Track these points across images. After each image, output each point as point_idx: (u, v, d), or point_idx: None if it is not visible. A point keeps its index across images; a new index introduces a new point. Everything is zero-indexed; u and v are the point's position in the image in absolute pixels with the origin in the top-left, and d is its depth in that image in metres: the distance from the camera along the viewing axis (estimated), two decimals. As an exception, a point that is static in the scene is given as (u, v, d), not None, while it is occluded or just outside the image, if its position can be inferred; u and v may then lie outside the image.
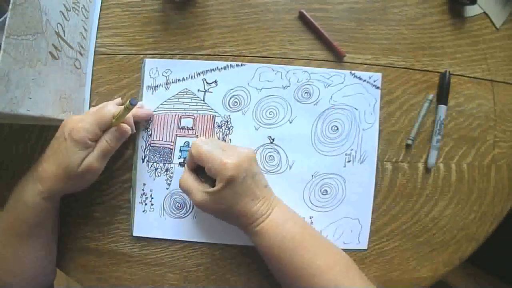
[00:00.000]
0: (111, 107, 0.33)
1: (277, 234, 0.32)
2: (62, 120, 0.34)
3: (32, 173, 0.34)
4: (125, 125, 0.34)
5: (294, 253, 0.31)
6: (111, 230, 0.39)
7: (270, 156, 0.39)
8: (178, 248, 0.39)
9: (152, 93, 0.39)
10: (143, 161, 0.39)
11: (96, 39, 0.40)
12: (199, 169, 0.34)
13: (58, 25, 0.32)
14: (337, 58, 0.40)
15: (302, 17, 0.40)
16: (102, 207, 0.39)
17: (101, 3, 0.40)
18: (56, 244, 0.38)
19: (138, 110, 0.37)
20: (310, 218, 0.39)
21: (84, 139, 0.31)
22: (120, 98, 0.39)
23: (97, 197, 0.39)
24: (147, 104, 0.39)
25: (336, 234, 0.39)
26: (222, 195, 0.31)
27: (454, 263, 0.41)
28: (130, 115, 0.34)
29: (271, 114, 0.39)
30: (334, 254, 0.33)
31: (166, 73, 0.39)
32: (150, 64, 0.39)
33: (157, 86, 0.39)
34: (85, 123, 0.31)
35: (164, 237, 0.39)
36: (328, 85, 0.39)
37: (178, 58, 0.40)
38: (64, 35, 0.34)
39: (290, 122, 0.39)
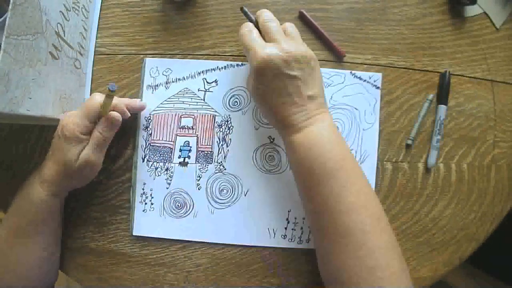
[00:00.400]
0: (98, 97, 0.32)
1: (307, 154, 0.29)
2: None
3: (38, 172, 0.34)
4: (114, 113, 0.33)
5: (323, 181, 0.28)
6: (111, 230, 0.39)
7: (270, 156, 0.39)
8: (178, 248, 0.39)
9: (152, 92, 0.39)
10: (143, 161, 0.39)
11: (96, 39, 0.40)
12: None
13: (58, 25, 0.32)
14: (337, 58, 0.40)
15: (302, 17, 0.40)
16: (102, 207, 0.39)
17: (101, 3, 0.40)
18: (59, 247, 0.38)
19: (131, 101, 0.37)
20: None
21: (75, 134, 0.31)
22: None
23: (97, 197, 0.39)
24: (148, 103, 0.39)
25: None
26: (254, 86, 0.30)
27: (454, 263, 0.41)
28: (119, 102, 0.34)
29: (271, 114, 0.39)
30: (368, 196, 0.29)
31: (167, 72, 0.39)
32: (151, 63, 0.39)
33: (157, 85, 0.39)
34: (74, 117, 0.32)
35: (164, 237, 0.39)
36: (328, 85, 0.39)
37: (178, 58, 0.40)
38: (64, 35, 0.34)
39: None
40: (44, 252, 0.36)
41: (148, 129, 0.39)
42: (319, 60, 0.40)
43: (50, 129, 0.39)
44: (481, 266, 0.76)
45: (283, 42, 0.30)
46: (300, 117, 0.30)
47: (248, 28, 0.32)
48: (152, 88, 0.39)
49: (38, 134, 0.39)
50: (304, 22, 0.40)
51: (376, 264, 0.27)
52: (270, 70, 0.29)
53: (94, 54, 0.40)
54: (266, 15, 0.32)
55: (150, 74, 0.39)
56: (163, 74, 0.39)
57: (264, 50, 0.29)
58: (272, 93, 0.30)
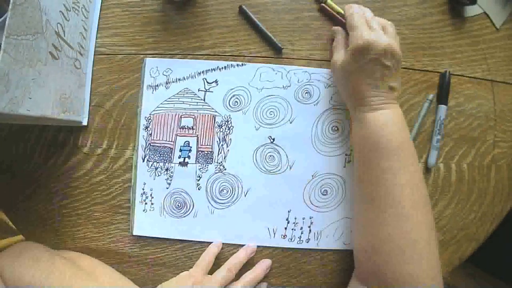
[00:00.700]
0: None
1: (376, 131, 0.32)
2: (62, 120, 0.35)
3: None
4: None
5: (385, 156, 0.31)
6: (111, 230, 0.39)
7: (270, 156, 0.39)
8: (178, 248, 0.39)
9: (153, 92, 0.39)
10: (143, 161, 0.39)
11: (96, 39, 0.40)
12: None
13: (58, 25, 0.32)
14: None
15: (323, 10, 0.40)
16: (102, 207, 0.39)
17: (101, 3, 0.40)
18: None
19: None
20: (310, 218, 0.39)
21: None
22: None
23: (97, 197, 0.39)
24: (148, 103, 0.39)
25: (336, 234, 0.39)
26: (346, 63, 0.33)
27: (454, 263, 0.41)
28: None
29: (271, 114, 0.39)
30: (420, 180, 0.32)
31: (167, 72, 0.39)
32: (151, 63, 0.39)
33: (157, 85, 0.39)
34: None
35: (164, 236, 0.39)
36: (329, 86, 0.39)
37: (178, 58, 0.40)
38: (64, 35, 0.34)
39: (291, 122, 0.39)
40: None
41: (148, 129, 0.39)
42: (319, 60, 0.40)
43: (50, 129, 0.39)
44: (481, 266, 0.76)
45: (387, 35, 0.33)
46: (377, 100, 0.33)
47: (361, 11, 0.35)
48: (152, 88, 0.39)
49: (38, 134, 0.39)
50: (325, 15, 0.40)
51: (419, 238, 0.29)
52: (369, 53, 0.32)
53: (94, 54, 0.40)
54: (369, 12, 0.35)
55: (150, 74, 0.39)
56: (163, 74, 0.39)
57: (371, 34, 0.32)
58: (361, 72, 0.33)
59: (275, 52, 0.40)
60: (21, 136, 0.39)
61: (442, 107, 0.40)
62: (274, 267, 0.39)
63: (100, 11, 0.40)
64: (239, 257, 0.37)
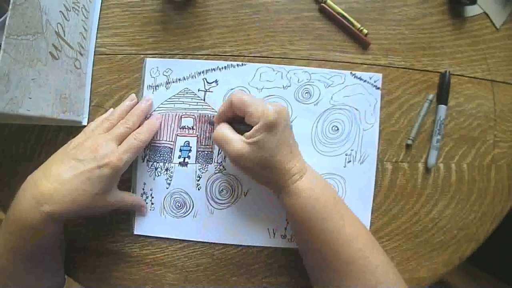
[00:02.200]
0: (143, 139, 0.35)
1: (311, 195, 0.31)
2: (62, 120, 0.35)
3: (34, 193, 0.29)
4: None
5: (326, 218, 0.31)
6: (111, 230, 0.39)
7: (270, 156, 0.39)
8: (178, 248, 0.39)
9: (153, 93, 0.39)
10: (143, 161, 0.39)
11: (96, 39, 0.40)
12: (232, 123, 0.34)
13: (58, 25, 0.32)
14: (362, 47, 0.40)
15: (323, 10, 0.40)
16: (102, 207, 0.39)
17: (101, 3, 0.40)
18: (63, 263, 0.38)
19: (142, 107, 0.38)
20: None
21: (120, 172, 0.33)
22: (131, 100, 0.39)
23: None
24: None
25: None
26: (264, 141, 0.30)
27: (454, 263, 0.41)
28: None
29: (271, 114, 0.39)
30: (360, 227, 0.33)
31: (167, 72, 0.39)
32: (151, 63, 0.39)
33: (157, 85, 0.39)
34: (124, 154, 0.33)
35: (164, 236, 0.39)
36: (329, 85, 0.39)
37: (178, 58, 0.40)
38: (64, 35, 0.34)
39: (291, 122, 0.39)
40: (49, 272, 0.35)
41: None
42: (319, 60, 0.40)
43: (50, 129, 0.39)
44: (481, 266, 0.76)
45: (267, 101, 0.33)
46: (299, 166, 0.32)
47: (221, 125, 0.34)
48: (153, 88, 0.39)
49: (38, 134, 0.39)
50: (325, 15, 0.40)
51: (378, 282, 0.30)
52: (282, 122, 0.31)
53: (94, 54, 0.40)
54: (236, 93, 0.33)
55: (151, 74, 0.39)
56: (163, 74, 0.39)
57: (271, 105, 0.31)
58: (280, 146, 0.31)
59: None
60: (21, 136, 0.39)
61: (442, 107, 0.40)
62: (274, 267, 0.39)
63: (100, 11, 0.40)
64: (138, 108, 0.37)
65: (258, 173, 0.33)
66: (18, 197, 0.30)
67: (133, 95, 0.39)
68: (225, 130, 0.33)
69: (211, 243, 0.39)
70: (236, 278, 0.39)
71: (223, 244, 0.39)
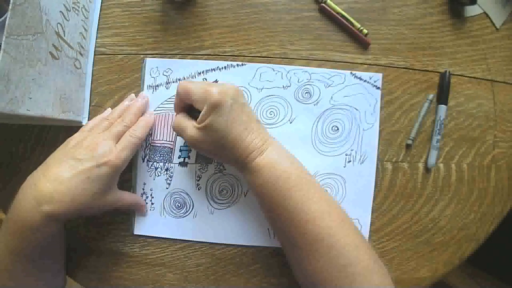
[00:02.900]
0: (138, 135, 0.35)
1: (272, 172, 0.31)
2: (62, 120, 0.35)
3: (34, 194, 0.29)
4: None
5: (288, 194, 0.30)
6: (111, 230, 0.39)
7: (270, 156, 0.39)
8: (178, 248, 0.39)
9: (153, 93, 0.39)
10: (143, 161, 0.39)
11: (96, 39, 0.40)
12: (190, 113, 0.34)
13: (58, 25, 0.32)
14: (362, 47, 0.40)
15: (323, 10, 0.40)
16: (102, 207, 0.39)
17: (101, 3, 0.40)
18: (64, 264, 0.38)
19: (137, 104, 0.38)
20: None
21: (120, 170, 0.33)
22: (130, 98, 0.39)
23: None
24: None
25: None
26: (212, 123, 0.30)
27: (454, 263, 0.41)
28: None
29: (271, 114, 0.39)
30: (329, 203, 0.31)
31: (167, 72, 0.39)
32: (151, 63, 0.39)
33: (157, 85, 0.39)
34: (123, 151, 0.33)
35: (164, 236, 0.39)
36: (329, 85, 0.39)
37: (178, 58, 0.40)
38: (64, 35, 0.34)
39: (291, 122, 0.39)
40: (49, 273, 0.35)
41: None
42: (319, 60, 0.40)
43: (50, 129, 0.39)
44: (481, 266, 0.76)
45: (213, 83, 0.33)
46: (258, 142, 0.31)
47: (177, 115, 0.34)
48: (153, 88, 0.39)
49: (38, 134, 0.39)
50: (325, 15, 0.40)
51: (347, 262, 0.28)
52: (228, 101, 0.30)
53: (94, 54, 0.40)
54: (181, 83, 0.33)
55: (151, 74, 0.39)
56: (163, 74, 0.39)
57: (215, 87, 0.31)
58: (231, 125, 0.30)
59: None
60: (21, 136, 0.39)
61: (442, 107, 0.40)
62: (274, 267, 0.39)
63: (100, 11, 0.40)
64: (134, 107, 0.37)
65: (217, 154, 0.33)
66: (18, 197, 0.30)
67: (133, 95, 0.39)
68: (180, 119, 0.34)
69: (211, 243, 0.39)
70: (236, 278, 0.39)
71: (223, 244, 0.39)
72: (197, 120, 0.31)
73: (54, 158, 0.32)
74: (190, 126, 0.32)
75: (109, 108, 0.39)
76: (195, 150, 0.39)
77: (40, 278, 0.34)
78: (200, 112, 0.31)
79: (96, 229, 0.39)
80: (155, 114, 0.39)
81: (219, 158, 0.34)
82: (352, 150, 0.39)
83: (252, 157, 0.31)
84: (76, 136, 0.34)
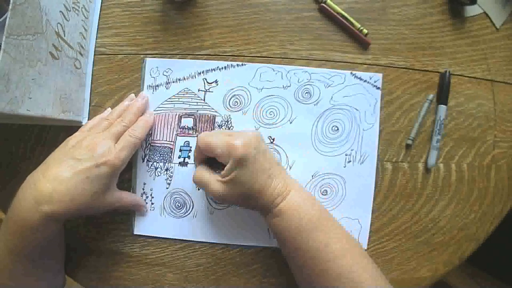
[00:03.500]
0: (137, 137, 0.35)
1: (295, 215, 0.31)
2: (62, 120, 0.35)
3: (33, 194, 0.29)
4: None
5: (310, 236, 0.31)
6: (111, 230, 0.39)
7: (270, 156, 0.39)
8: (178, 248, 0.39)
9: (153, 93, 0.39)
10: (143, 161, 0.39)
11: (96, 39, 0.40)
12: (210, 163, 0.34)
13: (58, 25, 0.32)
14: (362, 47, 0.40)
15: (323, 10, 0.40)
16: (102, 207, 0.39)
17: (101, 3, 0.40)
18: (63, 264, 0.38)
19: (137, 104, 0.38)
20: None
21: (119, 170, 0.33)
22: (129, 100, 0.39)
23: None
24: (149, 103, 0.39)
25: None
26: (238, 177, 0.31)
27: (454, 263, 0.41)
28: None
29: (271, 114, 0.39)
30: (349, 241, 0.32)
31: (167, 72, 0.39)
32: (151, 63, 0.39)
33: (157, 85, 0.39)
34: (122, 152, 0.33)
35: (164, 236, 0.39)
36: (329, 85, 0.39)
37: (178, 58, 0.40)
38: (64, 35, 0.34)
39: (291, 122, 0.39)
40: (49, 273, 0.35)
41: None
42: (319, 60, 0.40)
43: (50, 129, 0.39)
44: (481, 266, 0.76)
45: (234, 134, 0.32)
46: (281, 187, 0.32)
47: (199, 167, 0.35)
48: (153, 88, 0.39)
49: (38, 134, 0.39)
50: (325, 15, 0.40)
51: None
52: (252, 152, 0.30)
53: (94, 54, 0.40)
54: (201, 137, 0.33)
55: (151, 74, 0.39)
56: (163, 74, 0.39)
57: (238, 139, 0.31)
58: (256, 175, 0.31)
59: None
60: (21, 136, 0.39)
61: (442, 107, 0.40)
62: (274, 267, 0.39)
63: (100, 11, 0.40)
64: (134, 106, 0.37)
65: (243, 204, 0.34)
66: (17, 197, 0.30)
67: (132, 95, 0.39)
68: (201, 173, 0.34)
69: (211, 243, 0.39)
70: (236, 278, 0.39)
71: (223, 244, 0.39)
72: (222, 173, 0.32)
73: (53, 158, 0.32)
74: (214, 180, 0.32)
75: (109, 108, 0.39)
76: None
77: (41, 278, 0.34)
78: (220, 163, 0.32)
79: (96, 229, 0.39)
80: (155, 114, 0.39)
81: (245, 206, 0.34)
82: (352, 150, 0.39)
83: (276, 202, 0.32)
84: (76, 136, 0.34)
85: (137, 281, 0.39)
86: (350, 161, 0.39)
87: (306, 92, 0.39)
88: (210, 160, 0.34)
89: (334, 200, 0.39)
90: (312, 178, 0.39)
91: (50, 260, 0.35)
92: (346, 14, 0.40)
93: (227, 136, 0.32)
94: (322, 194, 0.39)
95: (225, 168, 0.31)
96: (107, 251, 0.39)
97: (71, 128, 0.39)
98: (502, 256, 0.68)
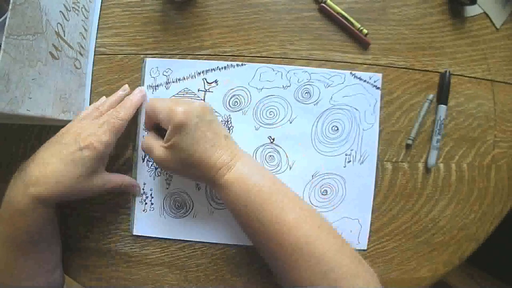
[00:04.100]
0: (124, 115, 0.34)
1: (242, 187, 0.30)
2: (62, 120, 0.35)
3: (22, 178, 0.31)
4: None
5: (261, 208, 0.30)
6: (111, 230, 0.39)
7: (270, 156, 0.39)
8: (178, 248, 0.39)
9: (153, 93, 0.39)
10: (143, 161, 0.39)
11: (96, 39, 0.40)
12: (161, 132, 0.34)
13: (58, 25, 0.32)
14: (362, 47, 0.40)
15: (323, 10, 0.40)
16: (102, 207, 0.39)
17: (101, 3, 0.40)
18: (60, 259, 0.37)
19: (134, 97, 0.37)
20: None
21: (105, 153, 0.33)
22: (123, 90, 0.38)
23: (97, 197, 0.39)
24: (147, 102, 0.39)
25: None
26: (177, 143, 0.31)
27: (454, 263, 0.41)
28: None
29: (271, 114, 0.39)
30: (304, 210, 0.31)
31: (167, 72, 0.39)
32: (151, 63, 0.39)
33: (157, 85, 0.39)
34: (104, 135, 0.32)
35: (164, 237, 0.39)
36: (329, 85, 0.39)
37: (178, 58, 0.40)
38: (64, 35, 0.34)
39: (290, 122, 0.39)
40: (45, 265, 0.35)
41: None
42: (319, 60, 0.40)
43: (50, 129, 0.39)
44: (481, 266, 0.76)
45: (181, 101, 0.32)
46: (226, 158, 0.32)
47: (153, 103, 0.34)
48: (153, 88, 0.39)
49: (38, 134, 0.39)
50: (325, 15, 0.40)
51: (328, 268, 0.28)
52: (193, 119, 0.31)
53: (94, 54, 0.40)
54: (150, 101, 0.34)
55: (151, 74, 0.39)
56: (163, 74, 0.39)
57: (181, 105, 0.31)
58: (197, 143, 0.31)
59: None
60: (21, 136, 0.39)
61: (442, 107, 0.40)
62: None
63: (100, 11, 0.40)
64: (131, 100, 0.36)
65: (185, 173, 0.33)
66: (10, 184, 0.31)
67: (126, 85, 0.39)
68: (148, 139, 0.34)
69: (211, 243, 0.39)
70: (236, 278, 0.39)
71: (223, 244, 0.39)
72: (164, 140, 0.32)
73: (44, 146, 0.33)
74: (157, 146, 0.33)
75: (104, 97, 0.39)
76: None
77: (36, 274, 0.34)
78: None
79: (96, 229, 0.39)
80: None
81: (188, 177, 0.34)
82: (352, 150, 0.39)
83: (221, 173, 0.31)
84: (67, 125, 0.35)
85: (137, 281, 0.39)
86: (350, 161, 0.39)
87: (306, 92, 0.39)
88: (161, 129, 0.34)
89: (334, 200, 0.39)
90: (312, 178, 0.39)
91: (44, 252, 0.34)
92: (346, 14, 0.40)
93: (171, 102, 0.32)
94: (322, 194, 0.39)
95: (166, 133, 0.31)
96: (107, 251, 0.39)
97: (71, 128, 0.39)
98: (502, 256, 0.68)
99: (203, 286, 0.39)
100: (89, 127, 0.33)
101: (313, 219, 0.31)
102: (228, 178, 0.31)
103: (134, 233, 0.39)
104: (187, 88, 0.39)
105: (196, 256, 0.39)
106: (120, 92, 0.38)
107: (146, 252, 0.39)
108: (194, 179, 0.34)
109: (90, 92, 0.39)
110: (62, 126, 0.38)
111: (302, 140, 0.39)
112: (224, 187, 0.31)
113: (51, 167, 0.30)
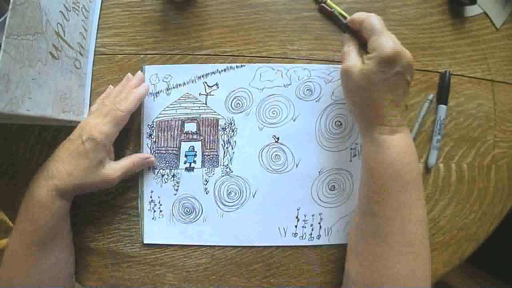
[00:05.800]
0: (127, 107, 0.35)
1: (396, 158, 0.29)
2: (62, 120, 0.35)
3: (43, 173, 0.33)
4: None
5: (404, 188, 0.29)
6: (111, 230, 0.39)
7: (276, 155, 0.39)
8: (178, 248, 0.39)
9: (154, 100, 0.39)
10: (149, 169, 0.39)
11: (96, 39, 0.40)
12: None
13: (58, 25, 0.32)
14: (337, 58, 0.40)
15: (323, 10, 0.40)
16: (102, 207, 0.39)
17: (101, 3, 0.40)
18: (73, 255, 0.38)
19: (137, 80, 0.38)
20: (320, 214, 0.39)
21: (106, 144, 0.33)
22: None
23: (97, 197, 0.39)
24: (150, 110, 0.39)
25: (346, 229, 0.39)
26: (370, 72, 0.29)
27: (454, 263, 0.41)
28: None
29: (274, 113, 0.39)
30: (425, 216, 0.31)
31: (167, 78, 0.39)
32: (150, 70, 0.39)
33: (158, 92, 0.39)
34: (104, 126, 0.33)
35: (175, 243, 0.39)
36: (329, 81, 0.39)
37: (178, 58, 0.40)
38: (64, 35, 0.33)
39: (294, 120, 0.39)
40: (61, 261, 0.35)
41: (152, 136, 0.39)
42: (319, 60, 0.40)
43: (50, 129, 0.39)
44: (481, 266, 0.76)
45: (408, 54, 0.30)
46: (396, 121, 0.30)
47: (377, 18, 0.32)
48: (154, 95, 0.39)
49: (38, 134, 0.39)
50: (325, 15, 0.40)
51: (423, 275, 0.29)
52: (397, 65, 0.29)
53: (94, 54, 0.40)
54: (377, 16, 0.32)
55: (151, 81, 0.39)
56: (163, 81, 0.39)
57: (398, 45, 0.29)
58: (386, 86, 0.29)
59: (275, 52, 0.40)
60: (21, 136, 0.39)
61: (442, 107, 0.40)
62: (273, 267, 0.39)
63: (100, 11, 0.40)
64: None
65: (354, 99, 0.32)
66: (31, 183, 0.33)
67: (130, 74, 0.39)
68: (351, 46, 0.33)
69: (221, 246, 0.39)
70: (236, 278, 0.39)
71: (223, 244, 0.39)
72: (368, 55, 0.30)
73: (60, 144, 0.35)
74: (355, 56, 0.32)
75: (111, 86, 0.39)
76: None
77: (52, 268, 0.34)
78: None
79: (96, 229, 0.39)
80: (157, 121, 0.39)
81: (353, 103, 0.33)
82: (356, 144, 0.39)
83: (382, 130, 0.30)
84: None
85: (137, 281, 0.39)
86: (355, 155, 0.39)
87: (307, 89, 0.39)
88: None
89: (342, 194, 0.39)
90: (319, 175, 0.39)
91: (59, 248, 0.35)
92: (346, 14, 0.40)
93: (390, 34, 0.30)
94: (330, 190, 0.39)
95: (367, 55, 0.30)
96: (107, 251, 0.39)
97: (71, 128, 0.39)
98: (502, 256, 0.68)
99: (203, 286, 0.39)
100: (93, 120, 0.34)
101: (427, 232, 0.31)
102: (386, 139, 0.30)
103: (145, 242, 0.39)
104: (188, 93, 0.39)
105: (196, 256, 0.39)
106: (123, 82, 0.38)
107: (146, 252, 0.39)
108: (354, 112, 0.33)
109: (90, 92, 0.39)
110: (62, 126, 0.38)
111: (306, 137, 0.39)
112: (378, 145, 0.30)
113: (62, 162, 0.33)
